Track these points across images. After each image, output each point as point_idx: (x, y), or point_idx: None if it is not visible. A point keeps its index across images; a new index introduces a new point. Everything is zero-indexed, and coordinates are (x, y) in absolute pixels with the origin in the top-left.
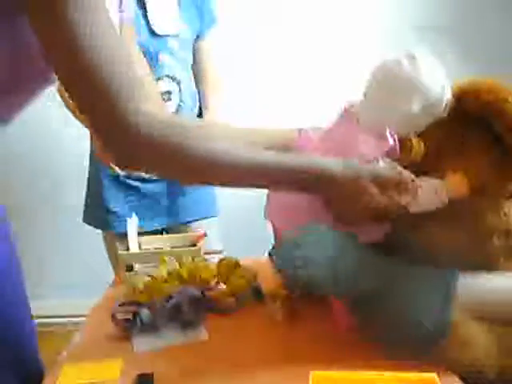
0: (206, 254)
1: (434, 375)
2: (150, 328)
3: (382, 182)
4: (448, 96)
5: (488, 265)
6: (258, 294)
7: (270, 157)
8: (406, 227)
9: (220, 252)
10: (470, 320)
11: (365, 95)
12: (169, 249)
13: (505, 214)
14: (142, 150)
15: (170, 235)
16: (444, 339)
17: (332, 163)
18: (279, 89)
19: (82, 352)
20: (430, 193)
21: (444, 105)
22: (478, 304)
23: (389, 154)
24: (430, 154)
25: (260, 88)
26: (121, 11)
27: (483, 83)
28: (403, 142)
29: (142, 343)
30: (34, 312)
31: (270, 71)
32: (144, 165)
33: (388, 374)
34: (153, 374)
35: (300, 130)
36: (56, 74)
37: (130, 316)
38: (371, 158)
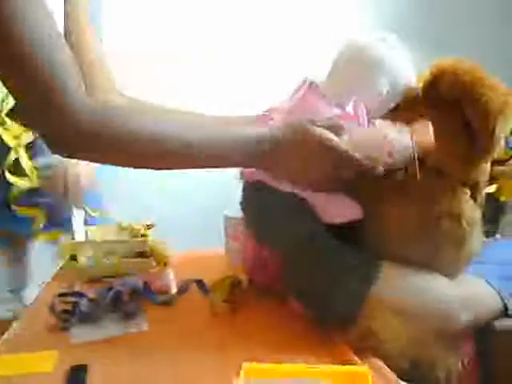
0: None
1: (365, 368)
2: (89, 319)
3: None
4: (412, 83)
5: (435, 250)
6: (201, 286)
7: (216, 133)
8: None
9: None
10: (384, 310)
11: (331, 73)
12: (118, 239)
13: (459, 200)
14: (83, 138)
15: (118, 225)
16: (351, 323)
17: (272, 129)
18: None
19: (19, 342)
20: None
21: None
22: (394, 297)
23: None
24: None
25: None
26: None
27: (463, 64)
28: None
29: (80, 334)
30: None
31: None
32: (86, 153)
33: (321, 367)
34: (86, 366)
35: (258, 115)
36: None
37: (69, 307)
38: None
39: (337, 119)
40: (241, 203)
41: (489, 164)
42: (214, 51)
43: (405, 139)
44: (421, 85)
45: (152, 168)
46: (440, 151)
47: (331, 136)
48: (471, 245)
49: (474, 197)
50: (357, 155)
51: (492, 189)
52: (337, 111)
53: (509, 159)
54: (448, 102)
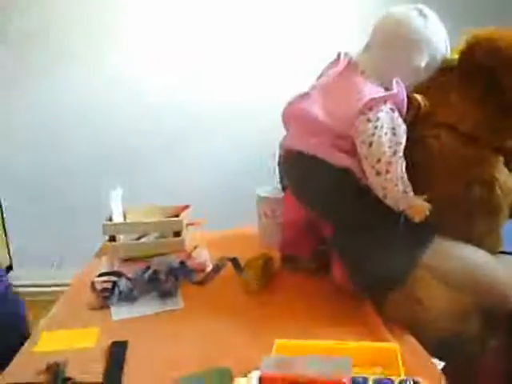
0: (189, 224)
1: (395, 345)
2: (128, 297)
3: None
4: (449, 53)
5: (467, 217)
6: (236, 264)
7: None
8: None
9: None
10: (431, 279)
11: (369, 46)
12: (152, 220)
13: (492, 167)
14: None
15: (155, 205)
16: (399, 286)
17: None
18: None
19: (62, 320)
20: None
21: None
22: (443, 267)
23: (397, 104)
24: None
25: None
26: None
27: (498, 31)
28: (410, 99)
29: (120, 312)
30: (19, 280)
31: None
32: None
33: (351, 344)
34: (127, 342)
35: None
36: None
37: (109, 286)
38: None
39: None
40: (284, 174)
41: None
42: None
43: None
44: (456, 55)
45: None
46: (473, 118)
47: None
48: (506, 214)
49: (508, 164)
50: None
51: None
52: (375, 88)
53: None
54: (483, 70)
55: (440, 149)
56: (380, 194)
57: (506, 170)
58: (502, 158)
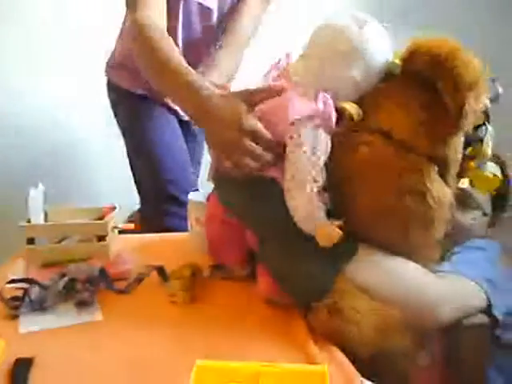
0: (114, 228)
1: (324, 367)
2: (40, 307)
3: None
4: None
5: (402, 229)
6: (161, 273)
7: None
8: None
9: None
10: (355, 291)
11: (303, 55)
12: (74, 221)
13: (423, 176)
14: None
15: (79, 207)
16: (323, 296)
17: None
18: None
19: None
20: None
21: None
22: (369, 280)
23: (324, 119)
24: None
25: None
26: None
27: (438, 40)
28: (341, 109)
29: (30, 323)
30: None
31: None
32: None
33: (277, 366)
34: (32, 359)
35: None
36: None
37: (20, 293)
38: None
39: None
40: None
41: (460, 144)
42: None
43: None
44: (398, 61)
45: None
46: (409, 125)
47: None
48: (441, 227)
49: (443, 176)
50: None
51: (465, 183)
52: (303, 103)
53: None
54: (422, 77)
55: (372, 156)
56: (291, 212)
57: (440, 181)
58: (436, 168)
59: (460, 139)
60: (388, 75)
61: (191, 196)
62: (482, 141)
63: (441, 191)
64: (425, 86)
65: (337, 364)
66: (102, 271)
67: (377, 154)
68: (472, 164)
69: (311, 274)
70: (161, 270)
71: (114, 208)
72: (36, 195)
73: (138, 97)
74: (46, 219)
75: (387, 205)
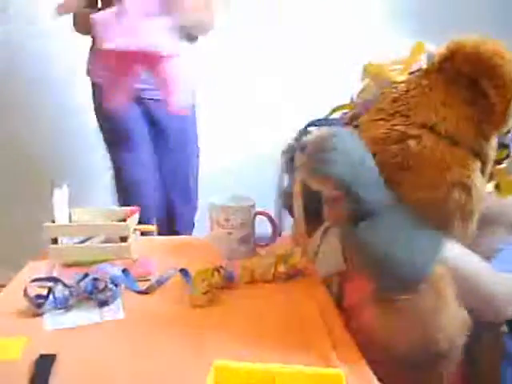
0: (136, 229)
1: (340, 371)
2: (64, 305)
3: None
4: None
5: (446, 221)
6: (184, 275)
7: None
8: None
9: (152, 229)
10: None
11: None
12: (97, 223)
13: (469, 170)
14: None
15: (103, 208)
16: (422, 281)
17: None
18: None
19: None
20: None
21: None
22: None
23: None
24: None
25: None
26: None
27: (482, 38)
28: None
29: (53, 321)
30: None
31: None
32: None
33: (293, 367)
34: (54, 356)
35: None
36: None
37: (44, 292)
38: None
39: None
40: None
41: (496, 144)
42: None
43: None
44: (437, 58)
45: None
46: (455, 120)
47: None
48: (475, 222)
49: (483, 172)
50: None
51: (490, 187)
52: None
53: (505, 158)
54: (465, 76)
55: (421, 150)
56: None
57: (481, 176)
58: (479, 164)
59: (495, 140)
60: (427, 72)
61: (213, 199)
62: (508, 146)
63: (482, 187)
64: (464, 84)
65: (355, 368)
66: (125, 272)
67: (425, 149)
68: (499, 168)
69: (421, 248)
70: (184, 272)
71: (136, 210)
72: (60, 196)
73: None
74: (69, 220)
75: (438, 197)
